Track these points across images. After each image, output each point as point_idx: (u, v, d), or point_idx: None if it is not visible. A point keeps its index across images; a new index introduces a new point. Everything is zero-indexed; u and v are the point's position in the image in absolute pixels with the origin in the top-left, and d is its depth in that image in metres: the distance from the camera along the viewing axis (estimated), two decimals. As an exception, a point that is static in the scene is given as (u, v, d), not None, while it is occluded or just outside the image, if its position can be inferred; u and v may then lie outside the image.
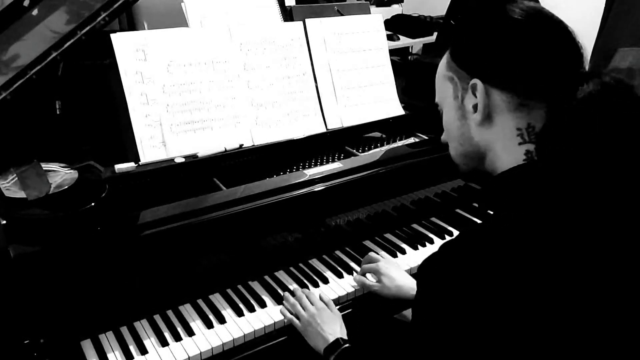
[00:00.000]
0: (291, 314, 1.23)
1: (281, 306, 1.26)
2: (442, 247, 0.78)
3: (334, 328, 1.17)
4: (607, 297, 0.71)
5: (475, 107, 0.82)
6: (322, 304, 1.24)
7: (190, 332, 1.18)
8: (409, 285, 1.28)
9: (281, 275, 1.38)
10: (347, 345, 1.13)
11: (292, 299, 1.26)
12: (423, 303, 0.78)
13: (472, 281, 0.71)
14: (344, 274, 1.38)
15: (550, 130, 0.75)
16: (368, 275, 1.35)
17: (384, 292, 1.30)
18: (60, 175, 1.23)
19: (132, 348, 1.14)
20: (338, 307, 1.30)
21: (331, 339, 1.14)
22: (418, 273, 0.80)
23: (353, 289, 1.34)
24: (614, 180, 0.73)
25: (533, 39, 0.78)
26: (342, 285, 1.35)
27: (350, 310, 1.31)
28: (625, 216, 0.74)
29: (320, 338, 1.16)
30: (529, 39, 0.78)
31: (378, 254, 1.44)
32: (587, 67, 0.80)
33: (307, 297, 1.25)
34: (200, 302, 1.27)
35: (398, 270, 1.33)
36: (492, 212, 0.84)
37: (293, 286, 1.33)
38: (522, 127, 0.79)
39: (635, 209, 0.74)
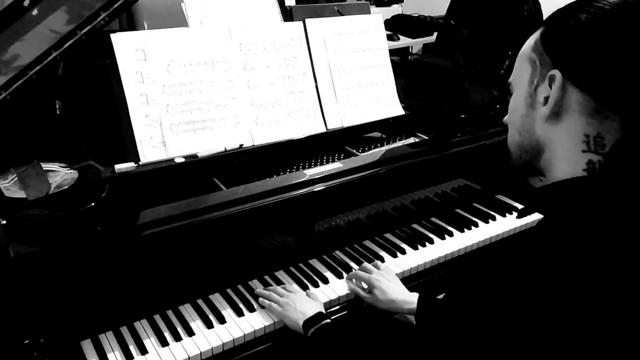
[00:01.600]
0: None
1: (257, 315, 1.25)
2: (484, 255, 0.75)
3: (314, 305, 1.19)
4: None
5: (546, 99, 0.76)
6: (299, 289, 1.27)
7: (190, 332, 1.18)
8: (401, 299, 1.26)
9: (281, 275, 1.38)
10: (328, 320, 1.12)
11: (266, 291, 1.28)
12: (462, 309, 0.75)
13: (518, 294, 0.67)
14: (344, 274, 1.38)
15: (625, 146, 0.70)
16: (363, 284, 1.34)
17: (376, 304, 1.28)
18: (60, 175, 1.23)
19: (132, 348, 1.14)
20: (338, 306, 1.30)
21: (310, 313, 1.15)
22: (460, 277, 0.76)
23: (369, 304, 1.33)
24: None
25: (626, 41, 0.71)
26: (342, 285, 1.35)
27: (349, 310, 1.31)
28: None
29: (299, 313, 1.16)
30: (622, 41, 0.71)
31: (378, 254, 1.45)
32: None
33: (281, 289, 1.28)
34: (200, 302, 1.27)
35: (392, 282, 1.30)
36: (541, 214, 0.79)
37: (293, 286, 1.33)
38: (591, 134, 0.73)
39: None
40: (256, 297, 1.28)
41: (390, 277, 1.32)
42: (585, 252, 0.67)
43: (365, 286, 1.32)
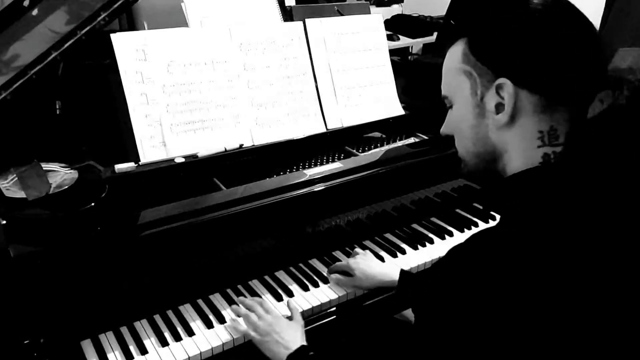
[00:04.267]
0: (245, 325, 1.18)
1: (229, 322, 1.20)
2: (450, 251, 0.77)
3: (295, 335, 1.12)
4: (620, 303, 0.69)
5: (498, 107, 0.77)
6: (277, 312, 1.20)
7: (190, 332, 1.18)
8: (378, 270, 1.32)
9: (281, 275, 1.38)
10: (312, 353, 1.08)
11: (243, 310, 1.20)
12: (430, 307, 0.77)
13: (479, 287, 0.69)
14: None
15: (578, 135, 0.72)
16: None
17: (360, 285, 1.32)
18: (60, 175, 1.23)
19: (132, 348, 1.14)
20: (336, 307, 1.30)
21: (293, 346, 1.09)
22: (428, 277, 0.79)
23: (353, 289, 1.34)
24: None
25: (570, 40, 0.74)
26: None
27: (349, 310, 1.31)
28: None
29: (281, 347, 1.09)
30: (566, 41, 0.74)
31: (378, 254, 1.45)
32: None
33: (260, 305, 1.20)
34: (200, 302, 1.27)
35: (369, 261, 1.36)
36: (498, 213, 0.82)
37: (293, 286, 1.33)
38: (545, 129, 0.76)
39: None
40: (256, 296, 1.28)
41: (369, 258, 1.38)
42: (543, 240, 0.69)
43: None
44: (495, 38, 0.77)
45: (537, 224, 0.71)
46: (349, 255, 1.45)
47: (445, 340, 0.73)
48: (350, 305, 1.33)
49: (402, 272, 1.31)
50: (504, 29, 0.76)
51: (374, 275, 1.32)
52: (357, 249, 1.44)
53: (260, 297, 1.28)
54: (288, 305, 1.24)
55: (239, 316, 1.21)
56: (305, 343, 1.11)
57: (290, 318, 1.20)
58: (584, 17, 0.77)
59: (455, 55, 0.82)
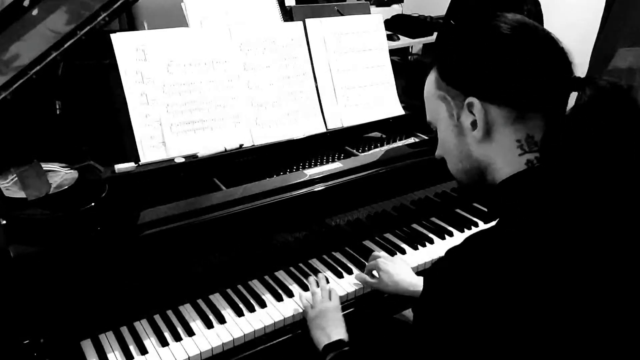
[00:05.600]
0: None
1: (301, 291, 1.30)
2: (447, 252, 0.78)
3: (339, 330, 1.18)
4: (610, 301, 0.71)
5: (473, 124, 0.82)
6: (338, 304, 1.25)
7: (190, 332, 1.18)
8: (408, 281, 1.29)
9: (281, 275, 1.38)
10: (347, 348, 1.13)
11: (315, 287, 1.29)
12: (427, 307, 0.78)
13: (477, 286, 0.71)
14: (344, 274, 1.39)
15: (550, 138, 0.76)
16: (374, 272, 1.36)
17: (382, 288, 1.31)
18: (60, 175, 1.23)
19: (132, 348, 1.14)
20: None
21: (335, 337, 1.15)
22: (425, 278, 0.81)
23: (353, 289, 1.34)
24: (614, 183, 0.74)
25: (524, 52, 0.78)
26: (342, 285, 1.35)
27: (349, 310, 1.31)
28: (624, 217, 0.74)
29: (324, 334, 1.16)
30: (521, 53, 0.78)
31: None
32: (578, 72, 0.81)
33: (329, 291, 1.28)
34: (200, 302, 1.27)
35: (399, 266, 1.34)
36: (496, 217, 0.84)
37: (293, 286, 1.33)
38: (522, 138, 0.80)
39: (632, 209, 0.75)
40: (256, 296, 1.29)
41: (397, 262, 1.36)
42: (534, 238, 0.72)
43: (375, 276, 1.34)
44: (459, 61, 0.83)
45: (528, 223, 0.74)
46: (349, 255, 1.45)
47: (442, 341, 0.74)
48: (350, 305, 1.33)
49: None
50: (465, 51, 0.82)
51: (402, 283, 1.30)
52: (382, 252, 1.42)
53: (260, 296, 1.29)
54: (330, 293, 1.28)
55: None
56: (346, 338, 1.16)
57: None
58: (545, 32, 0.81)
59: (430, 83, 0.89)
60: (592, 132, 0.72)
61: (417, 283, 1.29)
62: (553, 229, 0.72)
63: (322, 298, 1.26)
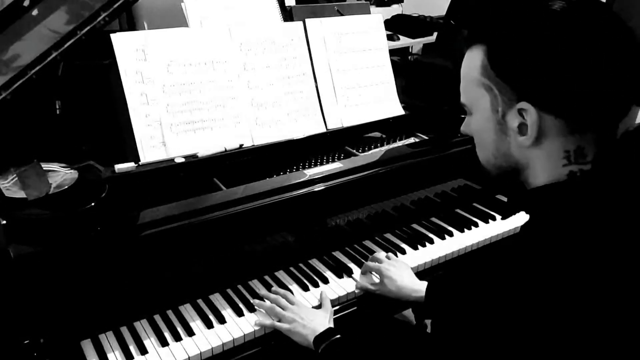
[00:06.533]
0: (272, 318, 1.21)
1: (256, 317, 1.22)
2: (479, 254, 0.77)
3: (321, 320, 1.16)
4: None
5: (521, 128, 0.75)
6: (300, 301, 1.24)
7: (190, 332, 1.18)
8: (410, 287, 1.28)
9: (281, 275, 1.38)
10: (338, 335, 1.11)
11: (267, 304, 1.24)
12: (462, 317, 0.76)
13: (511, 299, 0.68)
14: (344, 274, 1.38)
15: (607, 153, 0.71)
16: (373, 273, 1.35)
17: (384, 292, 1.30)
18: (60, 175, 1.23)
19: (132, 348, 1.14)
20: (338, 306, 1.30)
21: (320, 329, 1.13)
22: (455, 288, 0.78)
23: (353, 289, 1.34)
24: None
25: (595, 51, 0.69)
26: (342, 285, 1.35)
27: (350, 310, 1.31)
28: None
29: (309, 330, 1.14)
30: (592, 53, 0.69)
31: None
32: None
33: (284, 297, 1.25)
34: (200, 302, 1.27)
35: (403, 270, 1.33)
36: (527, 219, 0.80)
37: (293, 286, 1.33)
38: (571, 149, 0.74)
39: None
40: (256, 296, 1.28)
41: (400, 266, 1.34)
42: (570, 252, 0.68)
43: (376, 280, 1.33)
44: (516, 55, 0.72)
45: (566, 238, 0.69)
46: (349, 255, 1.45)
47: (471, 352, 0.72)
48: (351, 305, 1.33)
49: (429, 286, 1.26)
50: (525, 43, 0.71)
51: (402, 287, 1.28)
52: (382, 253, 1.41)
53: (260, 297, 1.28)
54: (321, 295, 1.27)
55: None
56: (331, 325, 1.14)
57: (319, 307, 1.24)
58: (619, 22, 0.73)
59: (473, 64, 0.78)
60: None
61: (419, 289, 1.27)
62: (593, 245, 0.68)
63: (282, 305, 1.22)
